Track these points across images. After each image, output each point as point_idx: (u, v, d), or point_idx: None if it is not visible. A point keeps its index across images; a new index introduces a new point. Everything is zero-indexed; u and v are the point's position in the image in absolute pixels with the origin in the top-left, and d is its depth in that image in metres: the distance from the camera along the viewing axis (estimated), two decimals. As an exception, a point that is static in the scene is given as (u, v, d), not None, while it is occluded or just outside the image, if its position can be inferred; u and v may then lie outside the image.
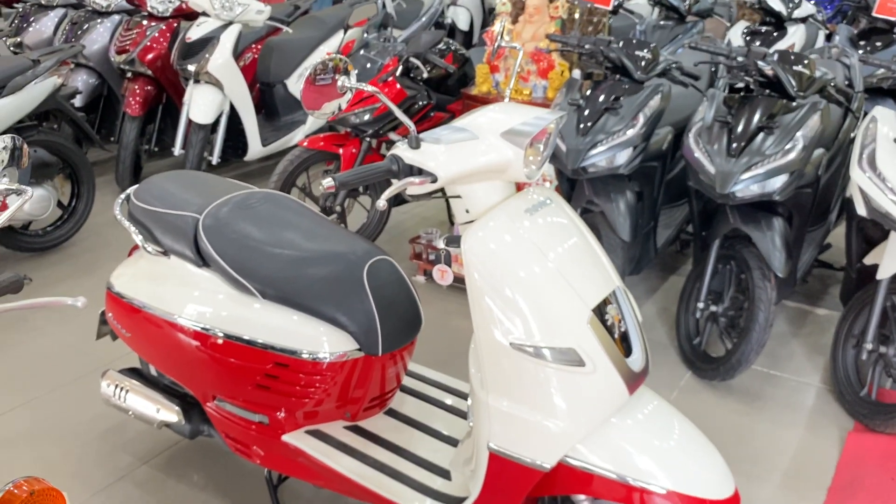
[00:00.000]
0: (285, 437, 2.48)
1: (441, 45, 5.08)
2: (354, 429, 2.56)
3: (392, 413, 2.62)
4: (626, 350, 2.07)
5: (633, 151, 3.60)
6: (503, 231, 1.99)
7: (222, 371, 2.51)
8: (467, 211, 2.10)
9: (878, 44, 5.90)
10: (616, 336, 2.04)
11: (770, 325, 3.34)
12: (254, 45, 5.85)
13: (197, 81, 5.34)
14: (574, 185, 3.96)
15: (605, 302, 2.04)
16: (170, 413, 2.66)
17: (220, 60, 5.24)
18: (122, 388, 2.76)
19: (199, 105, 5.30)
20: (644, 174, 3.84)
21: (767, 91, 3.44)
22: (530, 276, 1.96)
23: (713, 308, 3.60)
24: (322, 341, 2.39)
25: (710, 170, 3.33)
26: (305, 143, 4.50)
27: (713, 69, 4.32)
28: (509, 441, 2.03)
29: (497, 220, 2.01)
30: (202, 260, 2.54)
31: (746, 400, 3.49)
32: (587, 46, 3.79)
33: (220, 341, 2.44)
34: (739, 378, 3.56)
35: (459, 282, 4.05)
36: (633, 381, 2.04)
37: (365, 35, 5.58)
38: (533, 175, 2.05)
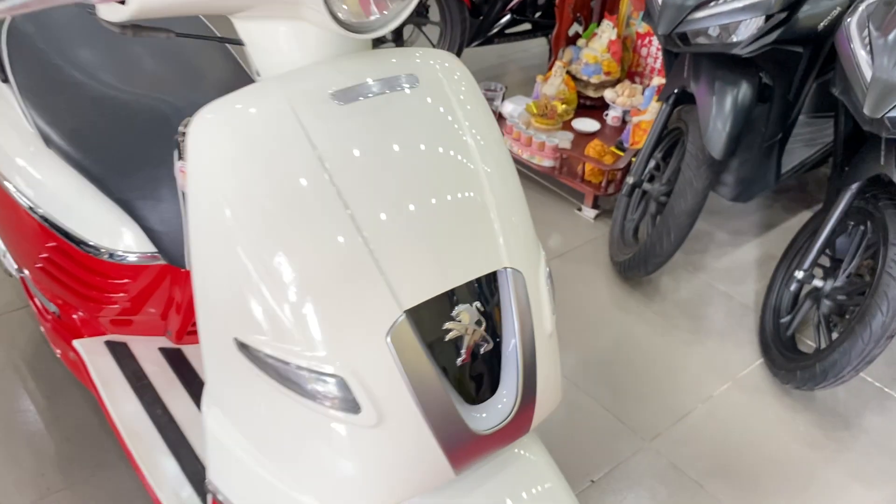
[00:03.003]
0: (76, 342, 1.77)
1: None
2: (174, 355, 1.79)
3: None
4: (478, 389, 1.11)
5: (765, 24, 2.33)
6: (262, 119, 1.03)
7: (10, 231, 1.80)
8: (258, 74, 1.16)
9: None
10: (461, 364, 1.08)
11: (894, 331, 2.15)
12: None
13: None
14: (672, 61, 2.75)
15: (454, 300, 1.07)
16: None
17: None
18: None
19: None
20: (779, 63, 2.56)
21: None
22: (287, 221, 1.02)
23: (819, 283, 2.41)
24: (115, 234, 1.59)
25: (866, 75, 2.05)
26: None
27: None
28: (231, 491, 1.18)
29: (257, 97, 1.05)
30: (4, 74, 1.76)
31: (831, 426, 2.37)
32: None
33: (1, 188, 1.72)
34: (832, 390, 2.43)
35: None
36: (471, 449, 1.10)
37: None
38: (365, 24, 1.05)
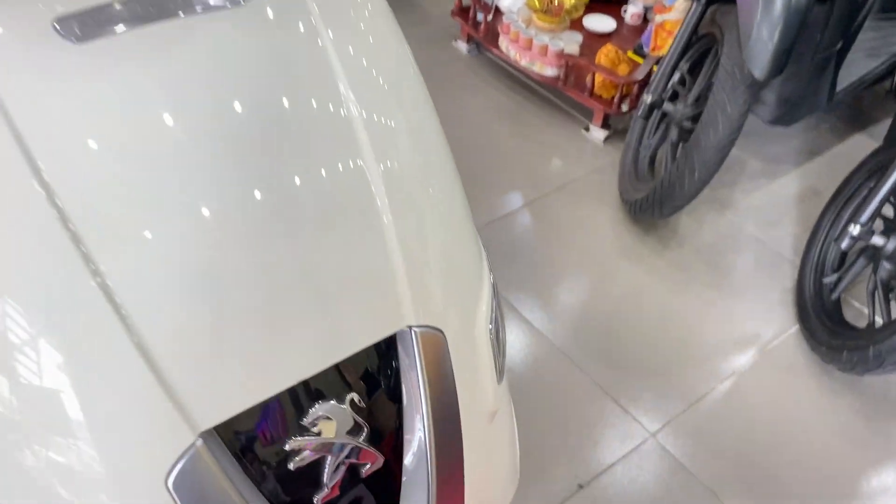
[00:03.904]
0: None
1: None
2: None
3: None
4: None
5: None
6: None
7: None
8: None
9: None
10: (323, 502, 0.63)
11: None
12: None
13: None
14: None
15: (311, 395, 0.61)
16: None
17: None
18: None
19: None
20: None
21: None
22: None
23: (879, 240, 1.91)
24: None
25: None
26: None
27: None
28: None
29: None
30: None
31: (881, 417, 1.93)
32: None
33: None
34: (886, 377, 1.98)
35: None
36: None
37: None
38: None
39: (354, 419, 0.64)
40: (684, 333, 2.07)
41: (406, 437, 0.67)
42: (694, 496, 1.72)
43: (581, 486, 1.72)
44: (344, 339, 0.64)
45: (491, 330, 0.76)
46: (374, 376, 0.66)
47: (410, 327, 0.67)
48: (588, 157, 2.62)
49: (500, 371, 0.77)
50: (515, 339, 2.01)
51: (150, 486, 0.58)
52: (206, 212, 0.58)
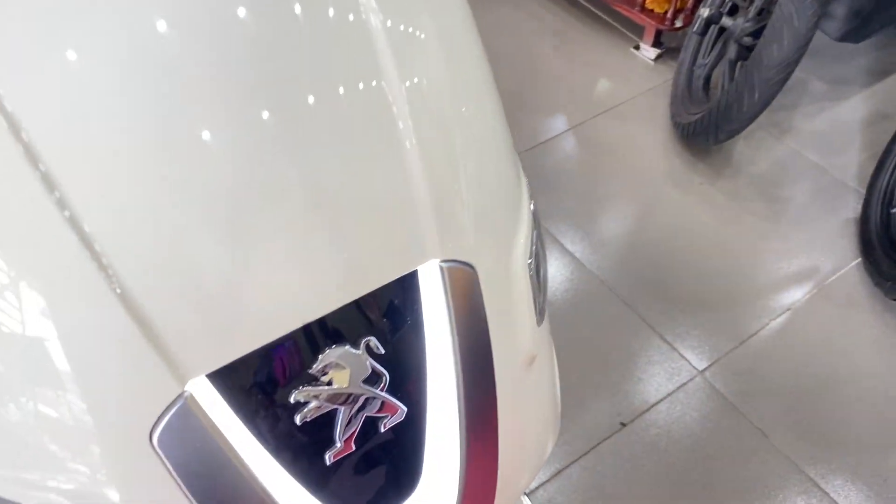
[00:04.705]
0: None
1: None
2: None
3: None
4: (383, 493, 0.59)
5: None
6: None
7: None
8: None
9: None
10: (337, 460, 0.55)
11: None
12: None
13: None
14: None
15: (320, 340, 0.52)
16: None
17: None
18: None
19: None
20: None
21: None
22: None
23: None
24: None
25: None
26: None
27: None
28: None
29: None
30: None
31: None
32: None
33: None
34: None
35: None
36: None
37: None
38: None
39: (371, 366, 0.56)
40: (736, 267, 1.95)
41: (431, 385, 0.59)
42: (742, 437, 1.64)
43: (623, 424, 1.65)
44: (360, 275, 0.56)
45: (530, 265, 0.67)
46: (394, 318, 0.58)
47: (437, 262, 0.58)
48: (638, 77, 2.46)
49: (539, 312, 0.68)
50: (557, 272, 1.92)
51: (135, 443, 0.51)
52: (198, 131, 0.49)
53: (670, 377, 1.73)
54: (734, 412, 1.67)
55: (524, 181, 0.71)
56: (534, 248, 0.68)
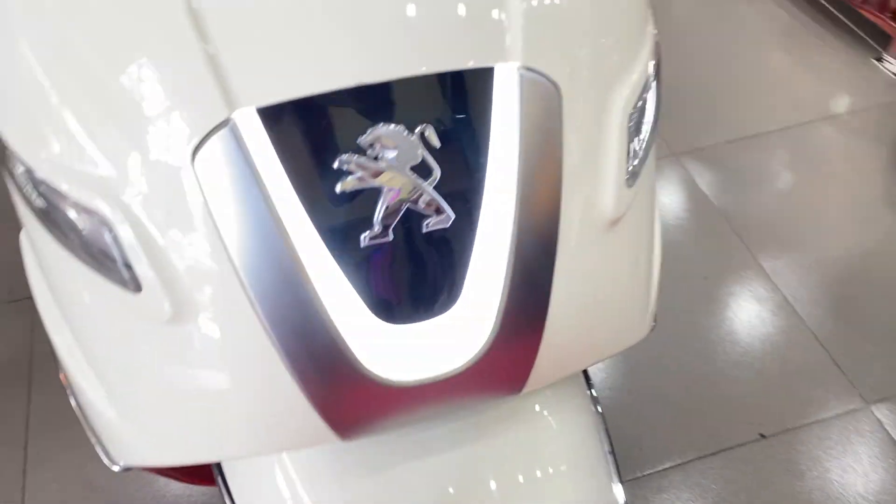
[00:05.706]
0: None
1: None
2: None
3: None
4: (417, 298, 0.56)
5: None
6: None
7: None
8: None
9: None
10: (371, 243, 0.54)
11: None
12: None
13: None
14: None
15: (375, 111, 0.52)
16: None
17: None
18: None
19: None
20: None
21: None
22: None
23: None
24: None
25: None
26: None
27: None
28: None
29: None
30: None
31: None
32: None
33: None
34: None
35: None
36: (372, 405, 0.58)
37: None
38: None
39: (423, 156, 0.54)
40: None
41: (486, 200, 0.56)
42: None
43: (763, 436, 1.50)
44: (429, 51, 0.53)
45: (632, 116, 0.61)
46: (457, 114, 0.55)
47: (517, 66, 0.55)
48: (874, 90, 2.22)
49: (632, 173, 0.62)
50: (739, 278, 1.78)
51: (177, 161, 0.53)
52: None
53: (829, 401, 1.54)
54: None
55: (650, 15, 0.64)
56: (641, 101, 0.62)
